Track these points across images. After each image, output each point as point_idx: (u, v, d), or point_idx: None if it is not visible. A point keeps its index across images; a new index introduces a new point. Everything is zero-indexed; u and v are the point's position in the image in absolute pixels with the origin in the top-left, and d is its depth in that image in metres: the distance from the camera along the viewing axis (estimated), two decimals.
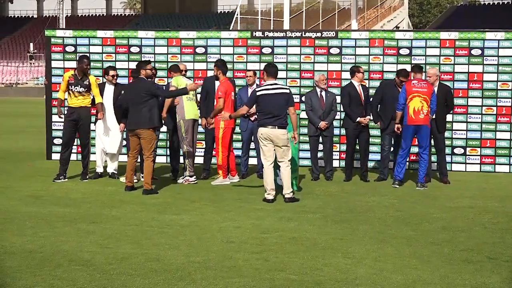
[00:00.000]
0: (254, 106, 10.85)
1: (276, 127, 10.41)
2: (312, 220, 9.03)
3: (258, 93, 10.56)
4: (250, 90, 12.68)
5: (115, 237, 7.95)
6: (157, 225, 8.59)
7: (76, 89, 12.02)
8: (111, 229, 8.36)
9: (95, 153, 12.84)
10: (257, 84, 12.75)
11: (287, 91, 10.61)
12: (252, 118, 12.63)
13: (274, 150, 10.54)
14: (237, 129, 13.19)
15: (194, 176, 12.10)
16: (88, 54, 14.95)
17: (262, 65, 14.41)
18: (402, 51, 14.37)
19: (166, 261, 6.92)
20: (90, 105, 12.22)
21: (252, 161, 13.34)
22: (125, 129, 12.00)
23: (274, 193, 10.43)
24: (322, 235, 8.14)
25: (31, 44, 71.68)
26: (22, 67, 73.16)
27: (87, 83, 12.10)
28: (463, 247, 7.66)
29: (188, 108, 12.01)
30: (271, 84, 10.59)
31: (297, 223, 8.86)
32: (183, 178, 12.10)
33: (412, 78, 12.02)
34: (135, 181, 11.57)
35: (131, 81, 12.00)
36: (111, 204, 10.04)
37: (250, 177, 12.88)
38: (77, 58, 12.88)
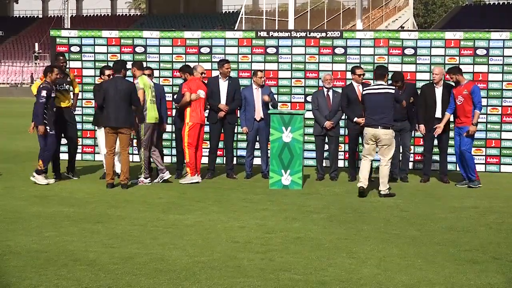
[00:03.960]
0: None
1: (379, 127, 10.84)
2: (317, 220, 9.03)
3: (364, 92, 11.21)
4: (260, 90, 12.68)
5: (120, 237, 7.96)
6: (161, 225, 8.60)
7: (61, 87, 12.23)
8: (116, 229, 8.38)
9: (99, 153, 12.94)
10: (261, 85, 12.76)
11: (393, 91, 11.04)
12: (258, 118, 12.64)
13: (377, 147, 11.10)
14: (239, 130, 13.22)
15: (149, 178, 12.04)
16: (93, 54, 15.04)
17: (267, 65, 14.57)
18: (407, 51, 14.35)
19: (171, 261, 6.93)
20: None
21: (257, 161, 13.33)
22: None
23: (366, 183, 10.90)
24: (327, 235, 8.14)
25: (36, 44, 71.74)
26: (27, 67, 73.26)
27: (69, 79, 12.44)
28: (468, 247, 7.65)
29: (150, 112, 11.89)
30: (377, 85, 11.11)
31: (301, 223, 8.86)
32: (137, 179, 12.00)
33: (459, 80, 11.98)
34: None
35: (110, 79, 11.95)
36: (116, 204, 10.06)
37: (255, 177, 12.88)
38: (55, 58, 12.99)
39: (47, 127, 11.61)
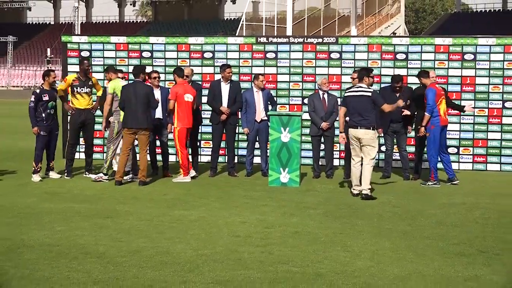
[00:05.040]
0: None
1: (359, 127, 10.54)
2: (314, 216, 9.04)
3: (345, 95, 10.90)
4: (261, 93, 12.68)
5: (128, 231, 7.97)
6: (167, 220, 8.61)
7: (82, 90, 12.25)
8: (124, 223, 8.39)
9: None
10: (261, 88, 12.75)
11: (369, 93, 10.66)
12: (258, 120, 12.65)
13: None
14: (240, 130, 13.26)
15: (107, 175, 11.98)
16: (102, 59, 15.05)
17: (267, 69, 14.58)
18: (398, 56, 14.36)
19: (176, 254, 6.94)
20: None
21: (257, 160, 13.34)
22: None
23: (359, 188, 10.56)
24: (323, 230, 8.15)
25: (48, 49, 71.63)
26: (40, 71, 73.23)
27: (91, 83, 12.41)
28: (456, 241, 7.66)
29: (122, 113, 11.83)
30: (356, 87, 10.79)
31: (299, 218, 8.87)
32: (96, 174, 11.97)
33: (424, 83, 11.95)
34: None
35: (130, 83, 12.05)
36: (124, 201, 10.06)
37: (255, 175, 12.88)
38: (78, 61, 13.02)
39: (38, 128, 11.90)
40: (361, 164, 10.80)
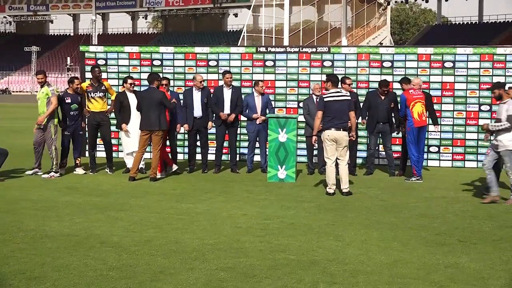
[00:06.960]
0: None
1: (341, 129, 10.24)
2: (308, 208, 9.02)
3: (325, 99, 10.39)
4: (261, 98, 12.66)
5: (140, 222, 7.95)
6: (175, 213, 8.59)
7: (96, 95, 12.23)
8: (136, 216, 8.36)
9: (122, 151, 12.95)
10: (261, 93, 12.73)
11: (349, 98, 10.47)
12: (258, 122, 12.62)
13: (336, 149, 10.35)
14: (244, 130, 13.23)
15: (59, 172, 11.90)
16: (117, 67, 15.02)
17: (266, 76, 14.54)
18: (385, 64, 14.33)
19: (183, 243, 6.92)
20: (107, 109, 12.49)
21: (257, 158, 13.32)
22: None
23: (334, 188, 10.26)
24: (317, 221, 8.13)
25: (68, 58, 71.69)
26: (61, 78, 73.31)
27: (104, 88, 12.35)
28: (437, 231, 7.64)
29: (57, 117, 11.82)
30: (335, 92, 10.40)
31: (295, 211, 8.84)
32: (48, 173, 11.83)
33: (403, 88, 12.04)
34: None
35: (145, 89, 12.08)
36: (136, 195, 10.04)
37: (255, 172, 12.86)
38: (90, 69, 12.99)
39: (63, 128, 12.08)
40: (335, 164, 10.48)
